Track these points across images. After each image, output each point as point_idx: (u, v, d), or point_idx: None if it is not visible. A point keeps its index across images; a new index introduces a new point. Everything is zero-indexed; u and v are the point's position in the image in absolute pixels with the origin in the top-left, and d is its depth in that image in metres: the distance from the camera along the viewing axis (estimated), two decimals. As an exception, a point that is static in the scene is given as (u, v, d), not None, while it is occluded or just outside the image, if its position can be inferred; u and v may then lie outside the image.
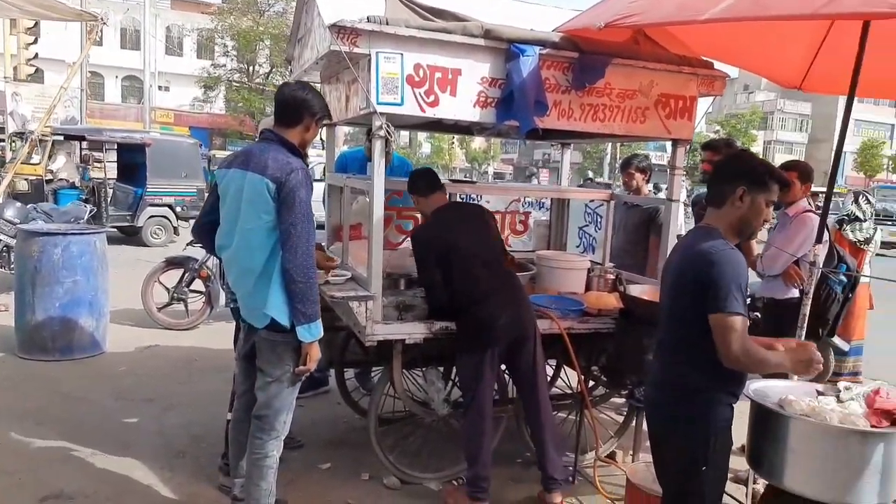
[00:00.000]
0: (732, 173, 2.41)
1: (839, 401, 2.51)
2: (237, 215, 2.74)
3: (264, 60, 33.38)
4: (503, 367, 3.57)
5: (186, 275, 6.57)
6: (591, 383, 4.19)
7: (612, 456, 4.12)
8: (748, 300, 4.34)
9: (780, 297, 4.14)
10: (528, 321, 3.44)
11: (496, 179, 46.54)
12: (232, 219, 2.77)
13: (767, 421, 2.43)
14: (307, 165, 2.83)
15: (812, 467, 2.29)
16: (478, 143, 48.26)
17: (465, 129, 4.47)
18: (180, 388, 4.97)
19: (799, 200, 4.12)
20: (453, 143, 46.98)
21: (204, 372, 5.37)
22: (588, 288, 4.35)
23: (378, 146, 3.20)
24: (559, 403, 4.17)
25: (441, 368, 3.77)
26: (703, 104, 3.90)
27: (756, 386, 2.60)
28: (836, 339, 5.52)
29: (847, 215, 5.43)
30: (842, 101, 3.56)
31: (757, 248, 4.35)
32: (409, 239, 5.02)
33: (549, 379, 4.50)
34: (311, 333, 2.71)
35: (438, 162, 46.98)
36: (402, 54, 3.09)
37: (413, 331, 3.40)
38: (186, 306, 6.65)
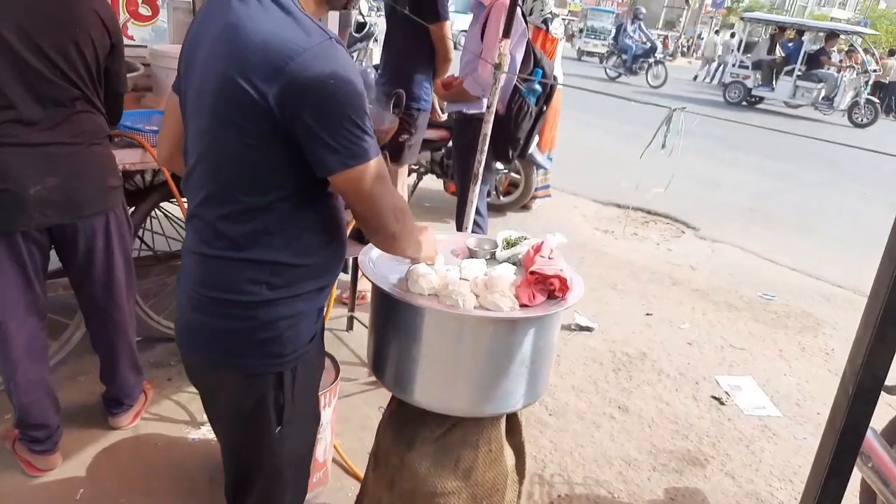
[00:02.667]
0: None
1: (490, 260, 1.79)
2: None
3: None
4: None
5: None
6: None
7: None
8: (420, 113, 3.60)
9: (471, 112, 3.38)
10: (89, 202, 2.08)
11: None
12: None
13: (385, 307, 1.61)
14: None
15: (442, 373, 1.54)
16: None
17: None
18: None
19: (495, -16, 3.21)
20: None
21: None
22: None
23: None
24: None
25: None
26: None
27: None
28: (537, 155, 5.16)
29: (551, 13, 4.78)
30: None
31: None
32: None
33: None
34: None
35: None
36: None
37: None
38: None
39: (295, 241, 1.30)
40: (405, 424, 1.71)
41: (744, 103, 16.16)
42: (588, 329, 3.75)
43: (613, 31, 20.27)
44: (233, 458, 1.54)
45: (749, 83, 16.04)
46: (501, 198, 5.67)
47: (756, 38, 17.32)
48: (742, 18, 19.40)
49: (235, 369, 1.37)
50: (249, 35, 1.19)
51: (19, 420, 2.20)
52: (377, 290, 1.57)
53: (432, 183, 5.65)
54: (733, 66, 16.59)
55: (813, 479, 1.83)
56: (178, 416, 2.61)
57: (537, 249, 1.71)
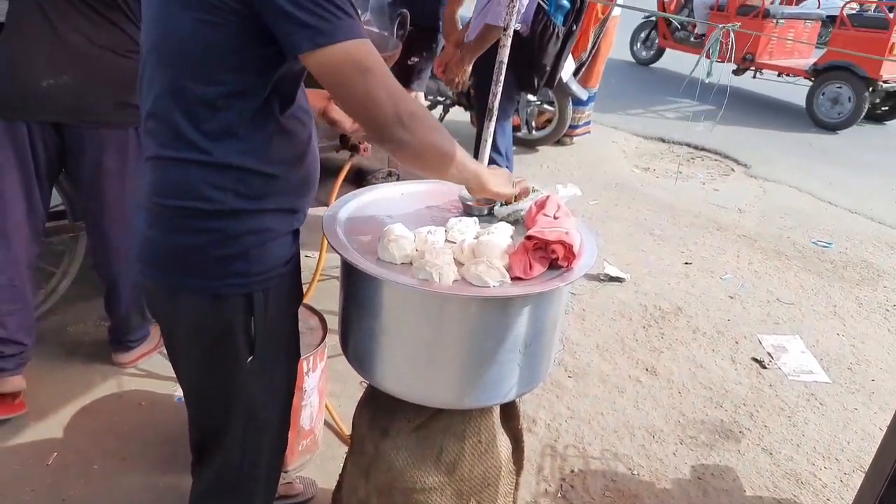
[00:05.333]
0: None
1: (487, 217, 1.49)
2: None
3: None
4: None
5: None
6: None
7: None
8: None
9: (490, 36, 2.98)
10: (100, 109, 2.01)
11: None
12: None
13: (350, 277, 1.34)
14: None
15: (415, 359, 1.28)
16: None
17: None
18: None
19: None
20: None
21: None
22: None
23: None
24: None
25: None
26: None
27: (355, 201, 1.48)
28: (572, 84, 4.72)
29: None
30: None
31: None
32: None
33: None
34: None
35: None
36: None
37: None
38: None
39: (261, 149, 1.14)
40: (381, 408, 1.47)
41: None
42: (618, 280, 3.43)
43: None
44: (200, 403, 1.37)
45: None
46: (534, 132, 5.27)
47: None
48: None
49: (197, 292, 1.19)
50: None
51: None
52: (340, 256, 1.30)
53: (460, 115, 5.27)
54: None
55: (869, 486, 1.54)
56: (166, 373, 2.44)
57: (541, 206, 1.41)
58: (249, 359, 1.25)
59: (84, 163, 2.09)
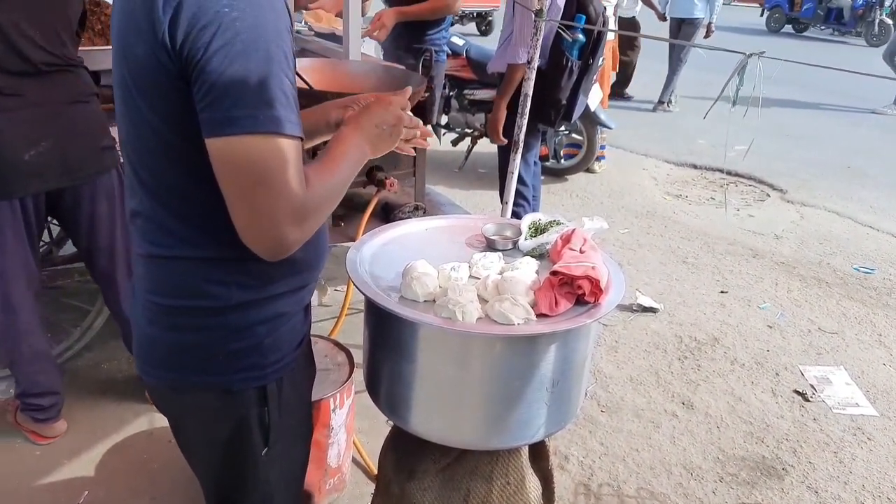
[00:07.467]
0: None
1: (511, 251, 1.47)
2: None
3: None
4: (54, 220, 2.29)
5: None
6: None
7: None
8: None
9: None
10: (85, 163, 2.04)
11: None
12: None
13: (374, 316, 1.33)
14: None
15: (440, 399, 1.26)
16: None
17: None
18: None
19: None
20: None
21: None
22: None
23: None
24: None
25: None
26: None
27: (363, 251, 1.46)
28: (600, 112, 4.72)
29: None
30: None
31: None
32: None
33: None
34: None
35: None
36: None
37: None
38: None
39: (216, 231, 1.02)
40: (407, 449, 1.44)
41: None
42: (652, 310, 3.36)
43: None
44: (212, 488, 1.29)
45: None
46: (562, 161, 5.26)
47: None
48: None
49: (206, 389, 1.12)
50: None
51: (24, 390, 2.18)
52: (365, 297, 1.29)
53: (488, 147, 5.29)
54: None
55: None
56: (196, 408, 2.46)
57: (566, 239, 1.38)
58: (265, 451, 1.18)
59: (79, 216, 2.11)
